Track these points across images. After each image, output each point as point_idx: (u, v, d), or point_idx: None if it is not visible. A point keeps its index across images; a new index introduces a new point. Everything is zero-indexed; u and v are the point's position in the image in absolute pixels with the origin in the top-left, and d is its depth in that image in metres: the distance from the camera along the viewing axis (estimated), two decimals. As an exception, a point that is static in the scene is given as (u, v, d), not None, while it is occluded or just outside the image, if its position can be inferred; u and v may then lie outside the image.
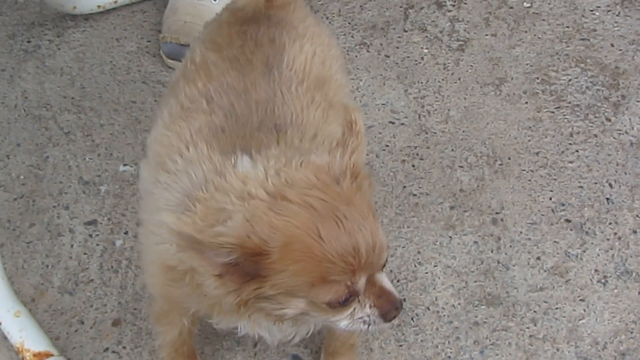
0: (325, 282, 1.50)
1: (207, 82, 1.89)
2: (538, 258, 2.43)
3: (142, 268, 1.96)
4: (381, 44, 2.97)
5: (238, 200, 1.51)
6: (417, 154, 2.65)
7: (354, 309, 1.58)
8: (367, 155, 2.58)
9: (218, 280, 1.49)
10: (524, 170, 2.62)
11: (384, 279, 1.59)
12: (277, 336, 1.77)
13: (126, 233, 2.45)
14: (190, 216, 1.51)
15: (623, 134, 2.71)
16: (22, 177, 2.59)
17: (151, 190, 1.78)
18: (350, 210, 1.50)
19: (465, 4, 3.08)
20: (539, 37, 2.99)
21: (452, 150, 2.67)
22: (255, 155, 1.62)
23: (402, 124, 2.74)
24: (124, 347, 2.24)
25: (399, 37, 2.99)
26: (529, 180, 2.60)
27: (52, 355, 2.17)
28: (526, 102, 2.80)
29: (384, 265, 1.59)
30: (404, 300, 2.32)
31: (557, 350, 2.26)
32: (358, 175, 1.56)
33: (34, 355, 2.16)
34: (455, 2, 3.09)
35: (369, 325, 1.60)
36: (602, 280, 2.39)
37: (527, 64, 2.90)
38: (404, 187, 2.57)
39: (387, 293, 1.58)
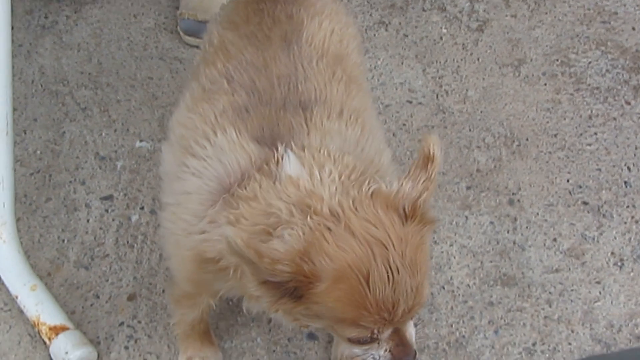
0: (353, 324, 1.51)
1: (225, 62, 1.88)
2: (554, 240, 2.42)
3: (166, 252, 1.91)
4: (400, 23, 2.95)
5: (297, 212, 1.50)
6: (435, 134, 2.64)
7: (370, 347, 1.60)
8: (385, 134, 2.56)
9: (261, 287, 1.49)
10: (541, 151, 2.61)
11: (407, 329, 1.60)
12: None
13: (142, 208, 2.45)
14: (239, 226, 1.51)
15: (642, 117, 2.69)
16: (38, 152, 2.59)
17: (176, 174, 1.76)
18: (404, 263, 1.48)
19: (484, -16, 3.06)
20: (559, 19, 2.96)
21: (470, 130, 2.65)
22: (299, 152, 1.61)
23: (420, 103, 2.72)
24: (139, 322, 2.25)
25: (418, 16, 2.97)
26: (547, 162, 2.58)
27: (67, 328, 2.18)
28: (545, 84, 2.78)
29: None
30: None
31: (572, 332, 2.25)
32: (424, 218, 1.53)
33: (50, 328, 2.17)
34: (474, -18, 3.07)
35: None
36: (618, 263, 2.37)
37: (546, 46, 2.88)
38: (421, 166, 2.56)
39: (405, 344, 1.60)
